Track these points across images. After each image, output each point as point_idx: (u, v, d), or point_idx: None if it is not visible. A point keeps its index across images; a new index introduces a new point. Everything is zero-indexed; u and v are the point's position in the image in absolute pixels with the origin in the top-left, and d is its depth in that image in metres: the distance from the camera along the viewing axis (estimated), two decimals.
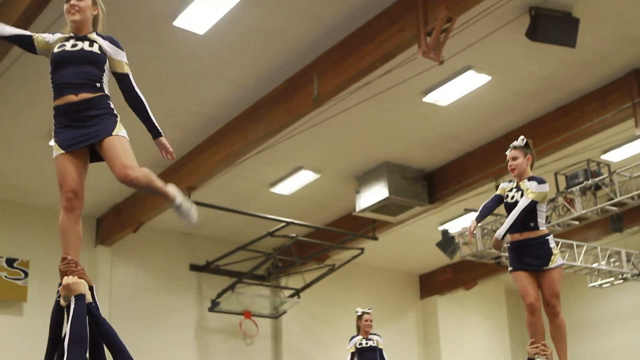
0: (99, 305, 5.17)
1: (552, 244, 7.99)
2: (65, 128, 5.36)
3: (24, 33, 5.64)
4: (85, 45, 5.45)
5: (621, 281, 19.14)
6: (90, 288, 5.16)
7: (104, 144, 5.31)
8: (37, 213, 17.62)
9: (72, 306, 4.90)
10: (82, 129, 5.33)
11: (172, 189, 5.65)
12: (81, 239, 5.56)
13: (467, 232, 8.60)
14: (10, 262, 17.02)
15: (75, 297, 4.92)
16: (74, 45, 5.45)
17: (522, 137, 8.39)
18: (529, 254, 7.95)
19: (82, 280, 5.03)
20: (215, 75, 13.43)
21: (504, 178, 15.22)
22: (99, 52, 5.47)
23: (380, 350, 12.01)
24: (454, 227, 18.24)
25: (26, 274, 17.10)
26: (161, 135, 5.69)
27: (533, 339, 7.98)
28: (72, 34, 5.53)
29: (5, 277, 16.91)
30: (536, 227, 7.98)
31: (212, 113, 14.43)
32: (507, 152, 8.42)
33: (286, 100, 13.66)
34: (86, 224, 18.14)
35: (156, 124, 5.64)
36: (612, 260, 18.18)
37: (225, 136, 14.90)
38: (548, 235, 8.04)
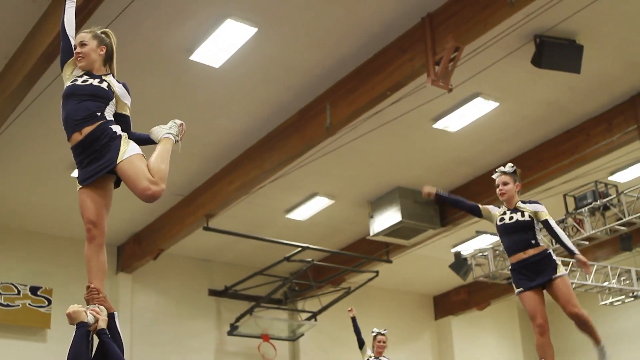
0: (119, 331, 5.27)
1: (554, 256, 8.02)
2: (81, 165, 5.51)
3: (72, 47, 5.79)
4: (95, 82, 5.57)
5: (632, 299, 19.09)
6: (111, 315, 5.26)
7: (118, 172, 5.41)
8: (59, 242, 17.74)
9: (73, 333, 5.00)
10: (94, 163, 5.43)
11: None
12: (104, 267, 5.61)
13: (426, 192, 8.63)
14: (34, 290, 17.12)
15: (77, 324, 5.00)
16: (84, 81, 5.57)
17: (510, 164, 8.38)
18: (535, 271, 7.98)
19: (83, 310, 5.07)
20: (231, 106, 13.55)
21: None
22: (106, 88, 5.57)
23: None
24: (466, 249, 18.27)
25: (49, 302, 17.19)
26: None
27: None
28: (87, 72, 5.66)
29: (30, 304, 17.01)
30: (537, 244, 8.03)
31: (228, 142, 14.56)
32: (495, 176, 8.37)
33: (300, 130, 13.76)
34: (107, 252, 17.99)
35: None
36: (622, 278, 18.15)
37: (241, 165, 15.00)
38: (548, 249, 8.07)
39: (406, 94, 12.59)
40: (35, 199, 16.22)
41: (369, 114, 13.06)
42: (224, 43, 11.86)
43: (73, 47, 5.73)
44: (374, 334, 12.30)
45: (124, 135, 5.50)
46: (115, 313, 5.35)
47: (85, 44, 5.66)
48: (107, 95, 5.56)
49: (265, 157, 14.46)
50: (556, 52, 12.04)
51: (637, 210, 15.49)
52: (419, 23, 11.68)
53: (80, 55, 5.65)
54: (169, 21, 11.45)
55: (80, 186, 5.55)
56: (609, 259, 18.40)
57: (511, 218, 8.07)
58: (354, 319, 12.62)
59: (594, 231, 15.82)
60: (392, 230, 16.56)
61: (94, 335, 5.10)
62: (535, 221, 8.03)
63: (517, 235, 8.05)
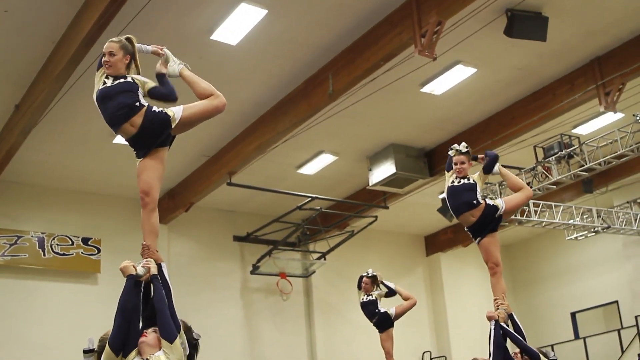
0: (167, 278, 5.31)
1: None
2: (141, 146, 5.53)
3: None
4: (122, 80, 5.54)
5: (593, 234, 19.11)
6: (160, 265, 5.32)
7: (183, 128, 5.54)
8: (106, 200, 17.82)
9: (124, 284, 5.10)
10: (153, 141, 5.50)
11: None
12: (156, 228, 5.64)
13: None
14: (85, 240, 17.21)
15: (127, 277, 5.10)
16: (113, 82, 5.54)
17: (464, 143, 8.11)
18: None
19: (132, 264, 5.16)
20: (247, 78, 13.51)
21: None
22: (131, 81, 5.56)
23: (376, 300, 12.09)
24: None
25: (99, 250, 17.28)
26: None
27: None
28: (114, 76, 5.60)
29: (82, 253, 17.10)
30: (479, 203, 7.85)
31: (246, 110, 14.53)
32: (451, 154, 8.05)
33: (306, 97, 13.73)
34: None
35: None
36: (585, 216, 18.16)
37: (257, 128, 14.98)
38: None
39: (397, 63, 12.51)
40: (84, 163, 16.24)
41: (366, 81, 13.00)
42: (239, 24, 11.82)
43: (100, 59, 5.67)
44: (359, 277, 12.29)
45: (164, 108, 5.54)
46: (163, 263, 5.39)
47: (114, 55, 5.58)
48: (134, 87, 5.54)
49: (278, 121, 14.44)
50: (525, 24, 11.99)
51: (597, 157, 15.48)
52: (406, 1, 11.63)
53: (109, 64, 5.57)
54: (191, 7, 11.40)
55: (139, 160, 5.56)
56: (573, 200, 18.40)
57: (460, 181, 7.88)
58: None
59: (560, 177, 15.85)
60: (388, 181, 16.58)
61: (150, 282, 5.21)
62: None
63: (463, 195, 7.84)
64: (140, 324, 5.08)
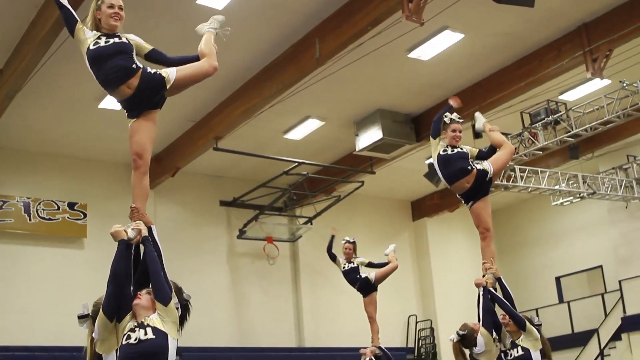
0: (157, 240, 5.30)
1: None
2: (134, 108, 5.49)
3: (72, 13, 5.60)
4: (116, 40, 5.46)
5: (579, 199, 19.23)
6: (149, 228, 5.30)
7: (176, 89, 5.54)
8: (91, 165, 17.79)
9: (116, 248, 5.05)
10: (147, 103, 5.48)
11: None
12: (146, 190, 5.62)
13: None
14: (71, 205, 17.19)
15: (118, 242, 5.05)
16: (107, 41, 5.45)
17: (456, 114, 8.03)
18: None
19: (122, 229, 5.10)
20: (234, 43, 13.30)
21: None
22: (127, 42, 5.49)
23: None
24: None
25: (85, 215, 17.27)
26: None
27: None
28: (104, 33, 5.50)
29: (68, 217, 17.09)
30: (472, 169, 7.82)
31: (233, 75, 14.46)
32: (448, 121, 7.95)
33: (294, 61, 13.68)
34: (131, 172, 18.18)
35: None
36: (570, 182, 18.26)
37: (244, 93, 14.94)
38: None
39: (384, 29, 12.47)
40: (69, 128, 16.19)
41: (353, 46, 12.96)
42: None
43: (75, 19, 5.56)
44: (342, 243, 12.40)
45: (158, 70, 5.52)
46: (153, 226, 5.38)
47: (122, 8, 5.54)
48: (129, 48, 5.48)
49: (264, 86, 14.40)
50: None
51: (583, 124, 15.56)
52: None
53: (119, 16, 5.51)
54: None
55: (131, 121, 5.51)
56: (559, 166, 18.49)
57: (453, 150, 7.78)
58: (332, 237, 12.61)
59: (546, 142, 15.96)
60: (375, 146, 16.62)
61: (142, 244, 5.19)
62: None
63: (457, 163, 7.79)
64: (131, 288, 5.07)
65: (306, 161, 17.52)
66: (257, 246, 19.79)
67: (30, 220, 16.64)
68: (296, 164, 17.43)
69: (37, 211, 16.74)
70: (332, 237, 12.67)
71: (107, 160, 17.76)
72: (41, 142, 16.78)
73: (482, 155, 8.19)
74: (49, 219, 16.86)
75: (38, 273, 16.65)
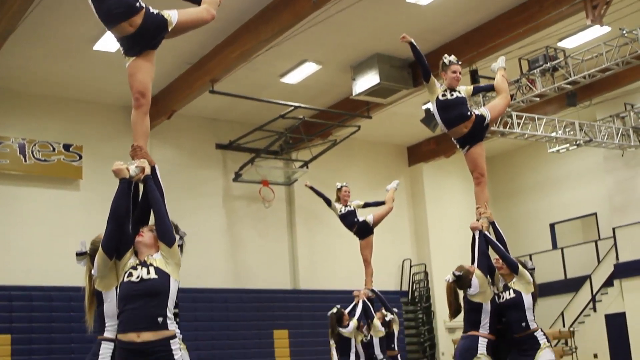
0: (160, 180, 5.28)
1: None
2: (132, 46, 5.40)
3: None
4: None
5: (575, 147, 19.25)
6: (152, 167, 5.26)
7: (176, 32, 5.52)
8: (87, 106, 17.74)
9: (117, 186, 5.02)
10: (147, 42, 5.40)
11: None
12: (148, 130, 5.59)
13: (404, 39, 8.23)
14: (66, 147, 17.18)
15: (120, 180, 5.03)
16: None
17: (453, 55, 8.02)
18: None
19: (125, 166, 5.07)
20: None
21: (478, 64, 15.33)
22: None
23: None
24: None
25: (80, 157, 17.27)
26: None
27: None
28: None
29: (63, 159, 17.10)
30: (471, 115, 7.79)
31: (229, 17, 14.31)
32: (447, 62, 7.94)
33: (290, 4, 13.56)
34: (127, 113, 18.10)
35: None
36: (567, 129, 18.26)
37: (240, 36, 14.82)
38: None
39: None
40: (64, 69, 16.10)
41: None
42: None
43: None
44: (338, 187, 12.43)
45: (161, 11, 5.45)
46: (156, 166, 5.35)
47: None
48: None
49: (261, 29, 14.30)
50: None
51: (582, 71, 15.51)
52: None
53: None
54: None
55: (129, 60, 5.43)
56: (556, 113, 18.45)
57: (452, 94, 7.77)
58: (312, 188, 12.72)
59: (544, 89, 15.93)
60: (372, 91, 16.58)
61: (143, 182, 5.15)
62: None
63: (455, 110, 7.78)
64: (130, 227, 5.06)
65: (302, 105, 17.48)
66: (253, 189, 19.85)
67: (25, 161, 16.65)
68: (292, 107, 17.40)
69: (32, 152, 16.74)
70: (312, 188, 12.75)
71: (103, 102, 17.72)
72: (37, 84, 16.70)
73: (478, 90, 8.44)
74: (45, 161, 16.87)
75: (34, 214, 16.74)
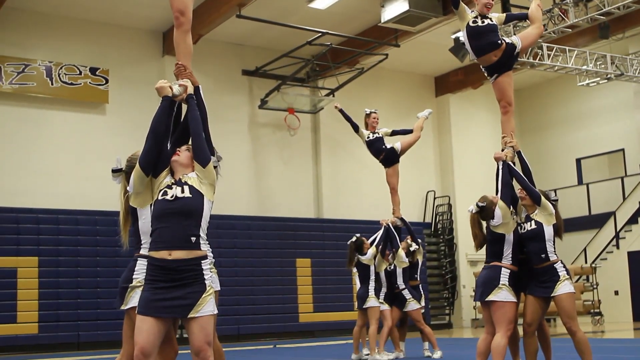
0: (204, 101, 5.24)
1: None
2: None
3: None
4: None
5: (605, 81, 19.01)
6: (197, 88, 5.24)
7: None
8: (114, 29, 17.71)
9: (159, 104, 4.98)
10: None
11: None
12: (190, 49, 5.57)
13: None
14: (93, 70, 17.18)
15: (162, 97, 4.99)
16: None
17: None
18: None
19: (168, 85, 5.02)
20: None
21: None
22: None
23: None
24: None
25: (107, 80, 17.27)
26: None
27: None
28: None
29: (90, 82, 17.11)
30: (502, 43, 7.63)
31: None
32: None
33: None
34: (154, 37, 18.14)
35: None
36: (598, 63, 17.99)
37: None
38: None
39: None
40: None
41: None
42: None
43: None
44: (367, 113, 12.24)
45: None
46: (200, 86, 5.32)
47: None
48: None
49: None
50: None
51: (616, 2, 15.16)
52: None
53: None
54: None
55: None
56: (588, 46, 18.14)
57: (483, 21, 7.64)
58: (341, 111, 12.36)
59: (576, 20, 15.59)
60: (401, 18, 16.39)
61: (186, 102, 5.10)
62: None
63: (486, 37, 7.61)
64: (169, 146, 5.05)
65: (330, 32, 17.30)
66: (279, 117, 19.85)
67: (52, 84, 16.70)
68: (320, 34, 17.23)
69: (59, 75, 16.77)
70: (341, 110, 12.53)
71: (130, 25, 17.65)
72: (63, 5, 16.65)
73: (511, 18, 8.25)
74: (71, 84, 16.91)
75: (61, 137, 16.88)
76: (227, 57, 19.36)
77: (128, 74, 17.29)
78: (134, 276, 5.17)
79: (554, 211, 7.20)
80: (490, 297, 6.97)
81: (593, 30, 16.83)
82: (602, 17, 15.49)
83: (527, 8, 8.13)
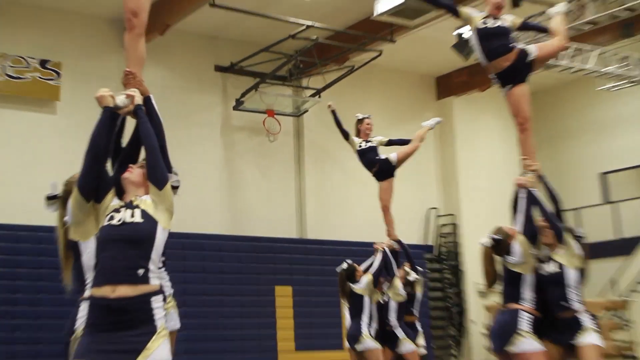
0: (157, 111, 5.41)
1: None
2: None
3: None
4: None
5: (630, 85, 19.15)
6: (147, 98, 5.40)
7: None
8: (67, 17, 17.76)
9: (99, 116, 4.99)
10: None
11: None
12: (143, 55, 5.65)
13: None
14: (42, 63, 17.24)
15: (103, 108, 4.99)
16: None
17: None
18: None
19: (110, 94, 5.01)
20: None
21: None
22: None
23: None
24: (469, 30, 18.18)
25: (58, 74, 17.32)
26: None
27: None
28: None
29: (39, 77, 17.15)
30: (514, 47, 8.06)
31: None
32: None
33: None
34: (113, 26, 17.94)
35: None
36: (621, 64, 18.12)
37: None
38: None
39: None
40: None
41: None
42: None
43: None
44: (359, 118, 12.33)
45: None
46: (151, 96, 5.48)
47: None
48: None
49: None
50: None
51: None
52: None
53: None
54: None
55: None
56: (609, 45, 18.29)
57: (493, 24, 7.97)
58: (334, 112, 12.54)
59: (596, 16, 15.74)
60: (397, 11, 16.48)
61: (134, 114, 5.11)
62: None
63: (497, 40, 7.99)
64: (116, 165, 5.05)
65: (316, 24, 17.48)
66: (256, 119, 19.83)
67: None
68: (305, 27, 17.39)
69: (3, 68, 16.85)
70: (334, 112, 12.63)
71: (86, 12, 17.78)
72: None
73: (527, 27, 8.64)
74: (18, 78, 16.96)
75: (5, 139, 16.82)
76: (198, 51, 19.50)
77: (83, 67, 17.37)
78: (75, 327, 5.05)
79: (578, 251, 7.15)
80: (511, 348, 6.80)
81: (615, 28, 17.04)
82: (625, 13, 15.64)
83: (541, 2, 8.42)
